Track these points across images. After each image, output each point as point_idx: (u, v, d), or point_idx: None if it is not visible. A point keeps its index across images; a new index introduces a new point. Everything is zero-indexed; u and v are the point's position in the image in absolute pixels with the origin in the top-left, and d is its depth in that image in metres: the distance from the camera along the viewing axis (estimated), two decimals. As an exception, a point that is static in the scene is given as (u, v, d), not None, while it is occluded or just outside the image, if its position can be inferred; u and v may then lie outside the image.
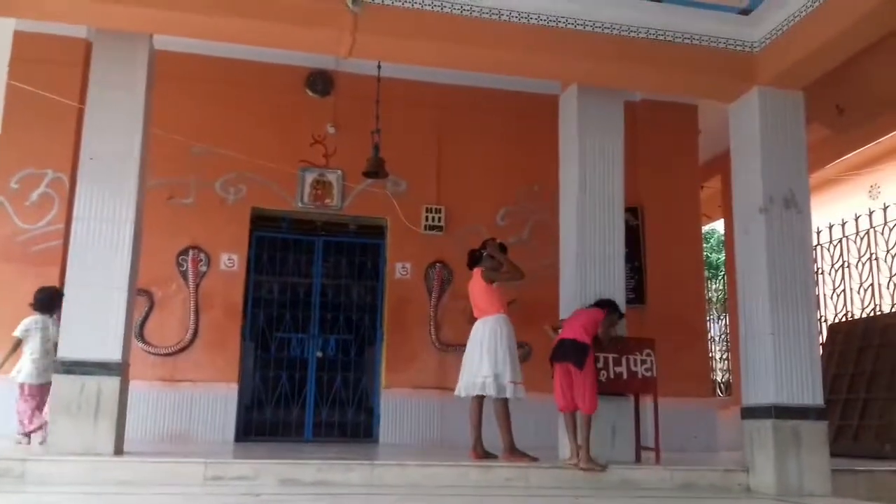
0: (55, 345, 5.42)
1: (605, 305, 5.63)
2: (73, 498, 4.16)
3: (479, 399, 5.74)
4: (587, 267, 5.99)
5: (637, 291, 8.14)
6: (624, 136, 6.34)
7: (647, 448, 5.80)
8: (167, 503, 4.10)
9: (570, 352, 5.33)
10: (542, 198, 7.95)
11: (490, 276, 5.89)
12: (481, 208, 8.22)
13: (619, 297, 5.90)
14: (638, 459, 5.76)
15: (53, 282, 6.58)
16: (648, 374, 5.74)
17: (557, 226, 6.42)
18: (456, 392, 5.83)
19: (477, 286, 5.91)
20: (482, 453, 5.64)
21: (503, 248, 6.18)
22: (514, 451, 5.56)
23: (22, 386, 5.92)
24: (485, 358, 5.59)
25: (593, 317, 5.52)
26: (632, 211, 8.01)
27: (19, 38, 7.22)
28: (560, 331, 5.62)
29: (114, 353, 5.15)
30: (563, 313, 6.06)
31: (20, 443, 5.86)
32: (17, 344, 6.00)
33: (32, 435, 5.84)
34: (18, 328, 6.02)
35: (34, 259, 7.00)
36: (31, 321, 6.06)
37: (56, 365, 5.15)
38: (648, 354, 5.79)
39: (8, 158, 7.20)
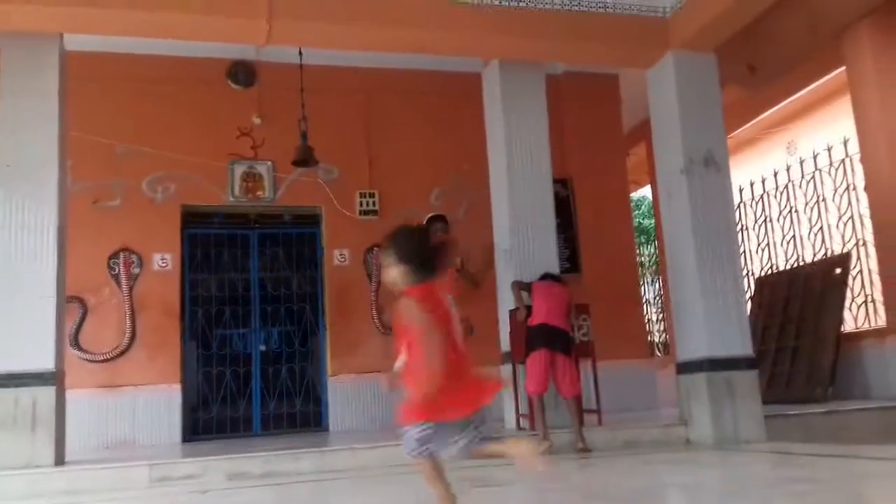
0: None
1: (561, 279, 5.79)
2: (16, 512, 4.09)
3: None
4: (521, 241, 6.11)
5: (572, 261, 8.30)
6: (549, 108, 6.44)
7: (590, 410, 5.96)
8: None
9: (566, 343, 5.43)
10: (473, 176, 7.99)
11: None
12: (415, 190, 8.24)
13: (554, 267, 6.03)
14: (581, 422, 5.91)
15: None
16: (585, 338, 5.90)
17: (490, 201, 6.51)
18: None
19: None
20: None
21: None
22: None
23: None
24: None
25: (570, 300, 5.62)
26: (562, 182, 8.15)
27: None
28: (530, 299, 5.65)
29: (47, 363, 5.04)
30: (501, 289, 6.16)
31: None
32: None
33: None
34: None
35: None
36: None
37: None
38: (584, 319, 5.95)
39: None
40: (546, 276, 5.73)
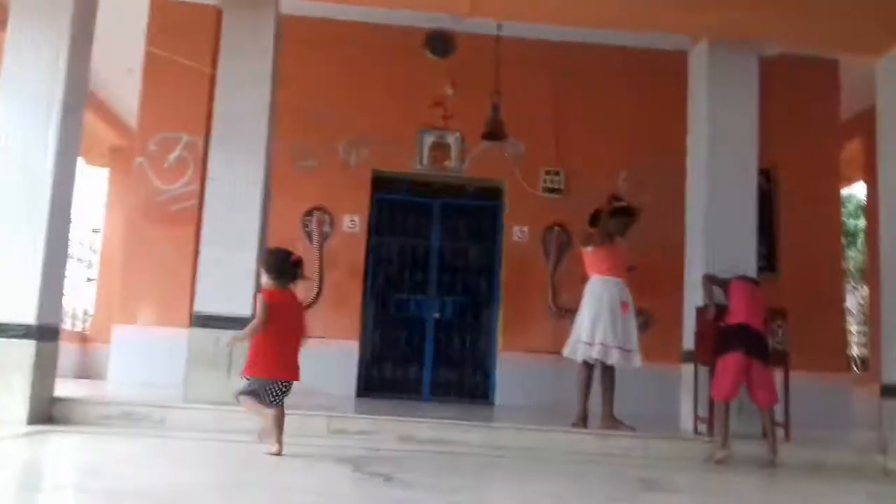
0: None
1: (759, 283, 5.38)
2: (207, 444, 4.42)
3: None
4: (716, 233, 5.74)
5: (769, 259, 7.74)
6: (758, 94, 5.98)
7: (777, 423, 5.53)
8: (294, 452, 4.26)
9: (765, 348, 5.04)
10: (665, 160, 7.63)
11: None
12: (602, 171, 7.99)
13: (751, 265, 5.62)
14: (765, 435, 5.51)
15: (190, 241, 6.94)
16: (779, 346, 5.46)
17: (683, 188, 6.17)
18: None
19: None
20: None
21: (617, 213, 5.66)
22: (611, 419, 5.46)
23: None
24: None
25: (767, 305, 5.23)
26: (764, 174, 7.56)
27: (156, 5, 7.58)
28: (723, 298, 5.26)
29: (242, 308, 5.38)
30: (689, 282, 5.83)
31: None
32: None
33: None
34: None
35: (172, 218, 7.43)
36: None
37: (193, 318, 5.45)
38: (780, 325, 5.50)
39: (147, 122, 7.66)
40: (743, 278, 5.34)
